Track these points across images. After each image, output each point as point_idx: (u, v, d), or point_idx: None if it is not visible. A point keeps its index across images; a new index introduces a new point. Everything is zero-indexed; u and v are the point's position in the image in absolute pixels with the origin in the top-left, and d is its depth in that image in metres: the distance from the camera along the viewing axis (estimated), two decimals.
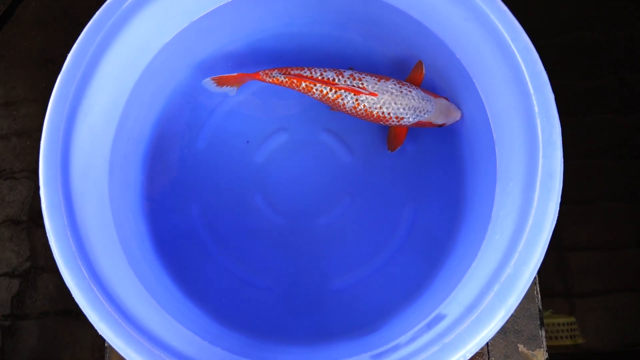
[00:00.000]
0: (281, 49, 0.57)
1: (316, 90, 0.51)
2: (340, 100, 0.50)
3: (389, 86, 0.50)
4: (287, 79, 0.51)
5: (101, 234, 0.44)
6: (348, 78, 0.50)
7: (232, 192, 0.56)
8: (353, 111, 0.51)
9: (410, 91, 0.50)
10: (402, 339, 0.42)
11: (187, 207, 0.56)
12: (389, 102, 0.50)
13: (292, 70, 0.51)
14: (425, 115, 0.50)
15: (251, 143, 0.57)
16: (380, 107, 0.50)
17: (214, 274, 0.54)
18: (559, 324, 0.88)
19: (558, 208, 0.38)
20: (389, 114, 0.50)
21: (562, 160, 0.39)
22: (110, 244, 0.45)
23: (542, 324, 0.56)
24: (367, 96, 0.49)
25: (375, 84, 0.50)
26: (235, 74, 0.53)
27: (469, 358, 0.36)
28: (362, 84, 0.50)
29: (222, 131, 0.57)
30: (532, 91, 0.40)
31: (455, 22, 0.45)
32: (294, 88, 0.52)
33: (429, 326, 0.41)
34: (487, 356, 0.55)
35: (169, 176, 0.56)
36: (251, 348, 0.49)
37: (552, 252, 0.96)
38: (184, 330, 0.46)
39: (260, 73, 0.52)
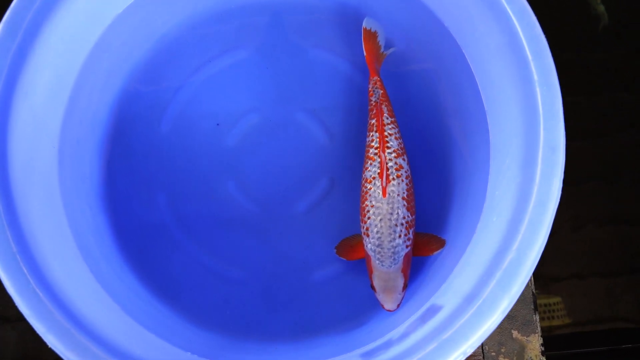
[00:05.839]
0: (250, 21, 0.52)
1: (371, 135, 0.45)
2: (368, 161, 0.45)
3: (401, 211, 0.42)
4: (374, 104, 0.46)
5: (50, 230, 0.39)
6: (396, 165, 0.43)
7: (202, 179, 0.51)
8: (363, 180, 0.45)
9: (399, 236, 0.42)
10: (394, 333, 0.39)
11: (152, 197, 0.51)
12: (380, 213, 0.42)
13: (386, 104, 0.46)
14: (376, 262, 0.43)
15: (222, 125, 0.52)
16: (372, 205, 0.43)
17: (184, 269, 0.50)
18: (545, 305, 0.86)
19: (561, 185, 0.35)
20: (368, 218, 0.43)
21: (565, 132, 0.35)
22: (61, 242, 0.40)
23: (536, 308, 0.54)
24: (380, 186, 0.43)
25: (398, 195, 0.43)
26: (366, 48, 0.48)
27: (469, 354, 0.33)
28: (394, 179, 0.43)
29: (188, 113, 0.52)
30: (530, 57, 0.36)
31: None
32: (369, 112, 0.47)
33: (423, 319, 0.37)
34: (480, 345, 0.52)
35: (130, 163, 0.51)
36: (228, 349, 0.45)
37: None
38: (151, 335, 0.41)
39: (376, 75, 0.48)
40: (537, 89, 0.36)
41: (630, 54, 1.00)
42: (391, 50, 0.49)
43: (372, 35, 0.48)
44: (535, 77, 0.36)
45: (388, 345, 0.37)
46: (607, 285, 0.93)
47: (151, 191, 0.51)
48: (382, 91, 0.47)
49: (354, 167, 0.51)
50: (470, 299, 0.34)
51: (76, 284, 0.37)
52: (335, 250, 0.47)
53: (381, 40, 0.49)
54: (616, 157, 0.98)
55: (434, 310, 0.37)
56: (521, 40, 0.37)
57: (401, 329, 0.39)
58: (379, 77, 0.48)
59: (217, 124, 0.52)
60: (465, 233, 0.43)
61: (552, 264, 0.93)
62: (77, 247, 0.42)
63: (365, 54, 0.48)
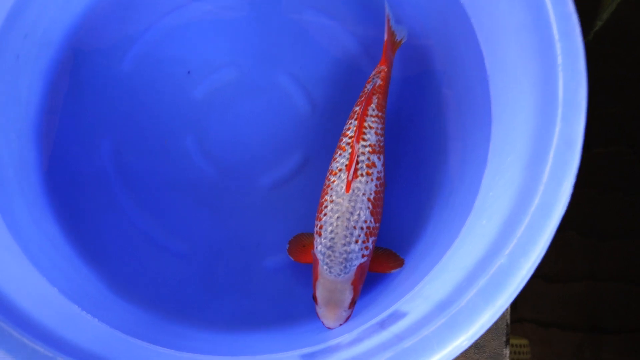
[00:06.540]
0: None
1: (349, 123, 0.40)
2: (338, 151, 0.39)
3: (363, 213, 0.36)
4: (367, 92, 0.40)
5: None
6: (368, 160, 0.37)
7: (157, 129, 0.44)
8: (328, 172, 0.39)
9: (355, 241, 0.36)
10: (345, 337, 0.32)
11: (95, 141, 0.44)
12: (339, 210, 0.36)
13: (379, 96, 0.40)
14: (323, 268, 0.36)
15: (193, 74, 0.45)
16: (331, 201, 0.37)
17: (118, 231, 0.43)
18: (512, 345, 0.80)
19: (572, 189, 0.29)
20: (324, 215, 0.37)
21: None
22: None
23: (507, 342, 0.48)
24: (345, 180, 0.36)
25: (364, 194, 0.36)
26: (388, 32, 0.42)
27: None
28: (363, 176, 0.37)
29: (157, 53, 0.45)
30: (556, 37, 0.31)
31: None
32: (358, 99, 0.41)
33: (383, 325, 0.31)
34: None
35: (78, 98, 0.44)
36: (156, 330, 0.39)
37: None
38: (67, 302, 0.34)
39: (385, 64, 0.42)
40: (560, 74, 0.30)
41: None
42: (404, 34, 0.43)
43: (389, 20, 0.43)
44: (560, 60, 0.30)
45: (335, 349, 0.31)
46: (570, 338, 0.89)
47: (96, 134, 0.44)
48: (381, 82, 0.41)
49: (332, 147, 0.45)
50: (443, 306, 0.28)
51: None
52: (287, 246, 0.41)
53: (394, 27, 0.43)
54: (595, 209, 0.94)
55: (397, 316, 0.31)
56: (549, 18, 0.31)
57: (354, 333, 0.32)
58: (387, 67, 0.42)
59: (188, 72, 0.45)
60: (445, 237, 0.37)
61: (519, 307, 0.89)
62: None
63: (385, 38, 0.42)
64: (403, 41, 0.43)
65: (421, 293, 0.32)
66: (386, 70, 0.42)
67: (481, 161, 0.37)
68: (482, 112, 0.38)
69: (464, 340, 0.26)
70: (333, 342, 0.33)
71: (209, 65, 0.45)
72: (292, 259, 0.40)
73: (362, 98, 0.41)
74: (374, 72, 0.42)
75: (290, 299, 0.41)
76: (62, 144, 0.43)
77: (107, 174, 0.43)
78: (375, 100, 0.40)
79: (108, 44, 0.45)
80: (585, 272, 0.92)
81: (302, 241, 0.40)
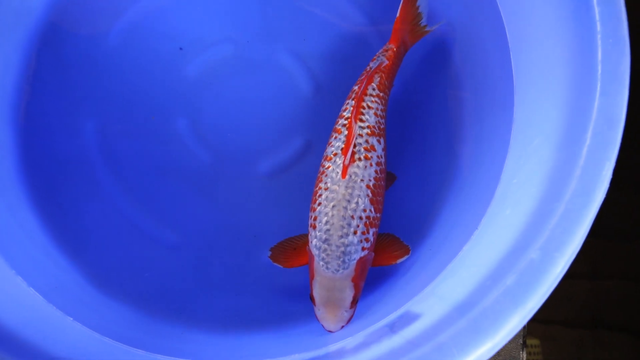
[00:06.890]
0: None
1: (347, 104, 0.36)
2: (334, 134, 0.35)
3: (361, 201, 0.32)
4: (368, 71, 0.37)
5: None
6: (367, 143, 0.34)
7: (146, 110, 0.41)
8: (323, 158, 0.35)
9: (354, 232, 0.32)
10: (350, 341, 0.28)
11: (78, 122, 0.40)
12: (334, 198, 0.32)
13: (381, 76, 0.37)
14: (320, 264, 0.32)
15: (185, 50, 0.42)
16: (326, 188, 0.33)
17: (100, 218, 0.39)
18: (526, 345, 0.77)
19: (611, 174, 0.25)
20: (318, 204, 0.33)
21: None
22: None
23: (524, 344, 0.44)
24: (341, 164, 0.33)
25: (362, 180, 0.33)
26: (402, 11, 0.38)
27: None
28: (361, 160, 0.33)
29: (146, 28, 0.41)
30: (595, 1, 0.27)
31: None
32: (360, 76, 0.37)
33: (393, 328, 0.27)
34: None
35: (61, 74, 0.40)
36: (141, 330, 0.35)
37: None
38: (39, 298, 0.31)
39: (393, 43, 0.38)
40: (599, 43, 0.26)
41: None
42: (437, 24, 0.39)
43: (413, 1, 0.38)
44: (599, 26, 0.26)
45: (337, 355, 0.27)
46: (573, 335, 0.87)
47: (79, 114, 0.40)
48: (387, 62, 0.37)
49: None
50: (462, 308, 0.24)
51: None
52: (269, 253, 0.36)
53: (422, 9, 0.38)
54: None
55: (408, 318, 0.27)
56: None
57: (360, 336, 0.29)
58: (396, 47, 0.38)
59: (180, 48, 0.41)
60: (461, 229, 0.33)
61: None
62: None
63: (397, 15, 0.38)
64: (430, 31, 0.39)
65: (435, 292, 0.29)
66: (394, 49, 0.38)
67: (502, 145, 0.34)
68: (503, 90, 0.34)
69: (489, 347, 0.22)
70: (335, 346, 0.29)
71: (203, 41, 0.42)
72: (281, 265, 0.36)
73: (362, 77, 0.37)
74: (380, 50, 0.38)
75: (288, 296, 0.38)
76: (41, 124, 0.39)
77: (91, 157, 0.40)
78: (377, 79, 0.36)
79: (93, 15, 0.41)
80: (588, 269, 0.90)
81: (292, 244, 0.36)
